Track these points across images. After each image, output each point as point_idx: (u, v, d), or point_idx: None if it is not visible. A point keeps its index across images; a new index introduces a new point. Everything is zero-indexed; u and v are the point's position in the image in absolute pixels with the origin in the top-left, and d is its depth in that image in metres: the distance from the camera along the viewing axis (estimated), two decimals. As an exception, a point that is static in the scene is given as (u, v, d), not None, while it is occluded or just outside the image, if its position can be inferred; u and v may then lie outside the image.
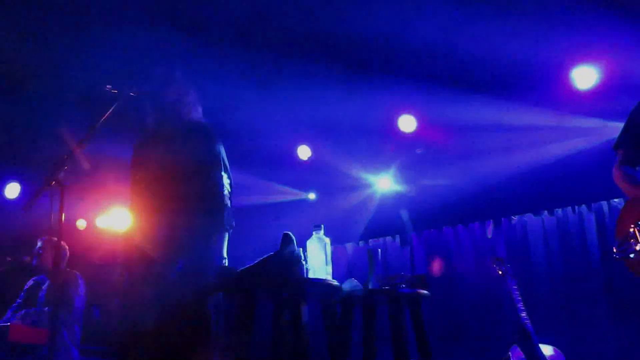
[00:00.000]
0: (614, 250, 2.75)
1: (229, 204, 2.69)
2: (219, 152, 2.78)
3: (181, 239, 2.60)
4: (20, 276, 4.65)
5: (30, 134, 5.59)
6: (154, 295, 2.57)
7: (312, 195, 6.84)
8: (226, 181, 2.72)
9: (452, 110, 5.11)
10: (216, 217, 2.63)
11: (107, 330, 4.85)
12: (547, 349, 4.19)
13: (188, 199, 2.65)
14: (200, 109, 2.95)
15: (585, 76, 4.54)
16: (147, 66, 3.04)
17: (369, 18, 4.20)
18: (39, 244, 4.50)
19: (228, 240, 2.78)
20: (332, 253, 3.08)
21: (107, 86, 2.81)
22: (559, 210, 5.53)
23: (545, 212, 5.59)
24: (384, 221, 6.43)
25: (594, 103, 4.72)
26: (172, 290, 2.55)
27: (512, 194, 5.58)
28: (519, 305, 4.34)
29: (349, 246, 6.85)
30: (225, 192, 2.70)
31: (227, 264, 2.68)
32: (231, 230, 2.73)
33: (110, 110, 2.78)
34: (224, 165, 2.76)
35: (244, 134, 5.59)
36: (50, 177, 2.59)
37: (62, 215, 2.61)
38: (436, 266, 6.03)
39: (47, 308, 4.19)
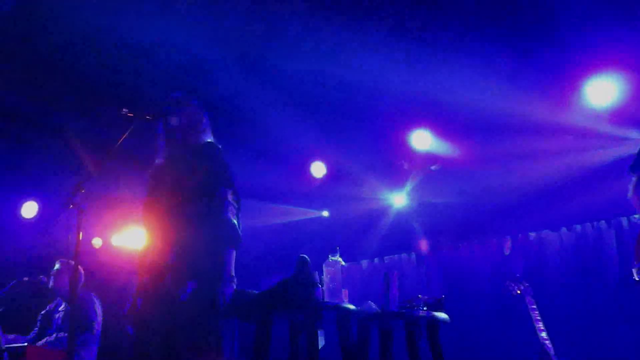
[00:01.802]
0: (634, 272, 2.70)
1: (235, 222, 2.68)
2: (226, 171, 2.79)
3: (189, 260, 2.60)
4: (36, 296, 4.67)
5: (48, 154, 5.66)
6: (164, 319, 2.56)
7: (325, 213, 6.82)
8: (233, 199, 2.71)
9: (468, 127, 5.08)
10: (223, 236, 2.62)
11: (122, 351, 4.85)
12: (568, 370, 4.11)
13: (194, 219, 2.65)
14: (210, 134, 2.98)
15: (603, 89, 4.48)
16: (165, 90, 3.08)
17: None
18: (57, 266, 4.53)
19: (236, 259, 2.75)
20: (347, 270, 3.05)
21: (123, 110, 2.84)
22: (578, 227, 5.44)
23: (564, 228, 5.51)
24: (399, 238, 6.38)
25: (614, 116, 4.65)
26: (181, 313, 2.54)
27: (529, 210, 5.51)
28: (538, 324, 4.27)
29: (364, 263, 6.80)
30: (232, 210, 2.68)
31: (235, 283, 2.63)
32: (239, 249, 2.70)
33: (127, 133, 2.81)
34: (231, 183, 2.76)
35: (258, 150, 5.63)
36: (68, 200, 2.61)
37: (79, 237, 2.63)
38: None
39: (64, 333, 4.20)
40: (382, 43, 4.29)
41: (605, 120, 4.70)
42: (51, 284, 4.47)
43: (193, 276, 2.57)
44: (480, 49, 4.20)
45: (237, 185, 2.79)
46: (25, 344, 4.17)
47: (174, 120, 2.89)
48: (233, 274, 2.62)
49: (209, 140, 2.93)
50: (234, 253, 2.64)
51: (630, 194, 2.83)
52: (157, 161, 2.96)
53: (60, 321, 4.39)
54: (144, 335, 2.61)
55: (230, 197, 2.69)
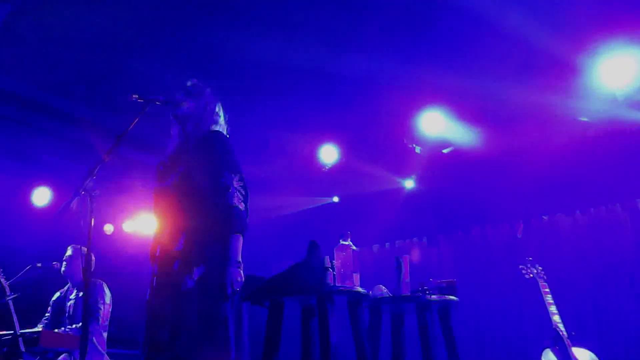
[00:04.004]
0: None
1: (240, 207, 2.67)
2: (231, 157, 2.78)
3: (196, 247, 2.61)
4: (49, 282, 4.72)
5: (60, 140, 5.68)
6: (172, 306, 2.57)
7: (336, 198, 6.80)
8: (239, 185, 2.70)
9: (479, 106, 5.02)
10: (228, 222, 2.61)
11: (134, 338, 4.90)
12: (582, 353, 4.08)
13: (201, 206, 2.65)
14: (223, 123, 2.96)
15: (620, 69, 4.37)
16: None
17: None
18: (69, 252, 4.57)
19: (246, 244, 2.74)
20: (358, 255, 3.03)
21: (134, 95, 2.83)
22: (592, 209, 5.38)
23: (578, 211, 5.45)
24: (410, 222, 6.36)
25: (629, 96, 4.56)
26: (189, 300, 2.54)
27: (542, 193, 5.45)
28: (551, 308, 4.24)
29: (375, 247, 6.79)
30: (238, 196, 2.67)
31: (242, 270, 2.63)
32: (246, 234, 2.69)
33: (137, 119, 2.80)
34: (236, 169, 2.75)
35: (269, 138, 5.62)
36: (80, 187, 2.61)
37: (91, 224, 2.63)
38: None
39: (77, 325, 4.26)
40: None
41: (621, 100, 4.61)
42: (63, 269, 4.51)
43: (200, 263, 2.58)
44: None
45: (243, 172, 2.77)
46: (40, 328, 4.22)
47: (185, 110, 2.89)
48: (240, 259, 2.60)
49: (217, 128, 2.92)
50: (241, 239, 2.62)
51: None
52: (168, 150, 2.96)
53: (71, 309, 4.44)
54: (154, 323, 2.63)
55: (236, 184, 2.67)
